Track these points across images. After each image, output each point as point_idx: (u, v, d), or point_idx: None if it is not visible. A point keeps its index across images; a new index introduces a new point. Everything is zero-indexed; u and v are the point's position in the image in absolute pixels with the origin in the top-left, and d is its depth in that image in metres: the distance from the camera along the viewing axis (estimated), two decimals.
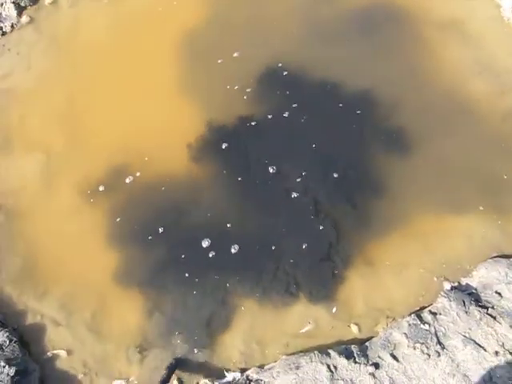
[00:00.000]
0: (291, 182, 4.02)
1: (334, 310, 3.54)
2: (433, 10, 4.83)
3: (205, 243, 3.82)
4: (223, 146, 4.25)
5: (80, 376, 3.41)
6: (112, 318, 3.63)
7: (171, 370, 3.37)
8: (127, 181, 4.14)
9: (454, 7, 4.83)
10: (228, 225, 3.88)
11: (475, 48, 4.52)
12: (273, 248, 3.77)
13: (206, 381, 3.34)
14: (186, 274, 3.73)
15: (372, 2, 4.98)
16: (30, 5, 5.32)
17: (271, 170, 4.08)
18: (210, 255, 3.78)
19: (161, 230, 3.91)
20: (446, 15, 4.76)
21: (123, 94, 4.66)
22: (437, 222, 3.79)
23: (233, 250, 3.78)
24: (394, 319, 3.42)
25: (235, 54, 4.77)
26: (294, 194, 3.95)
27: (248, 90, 4.51)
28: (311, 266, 3.68)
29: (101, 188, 4.12)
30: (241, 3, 5.14)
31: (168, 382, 3.31)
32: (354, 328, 3.45)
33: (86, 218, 4.01)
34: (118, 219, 3.98)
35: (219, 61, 4.74)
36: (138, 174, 4.16)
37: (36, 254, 3.89)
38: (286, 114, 4.36)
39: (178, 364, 3.43)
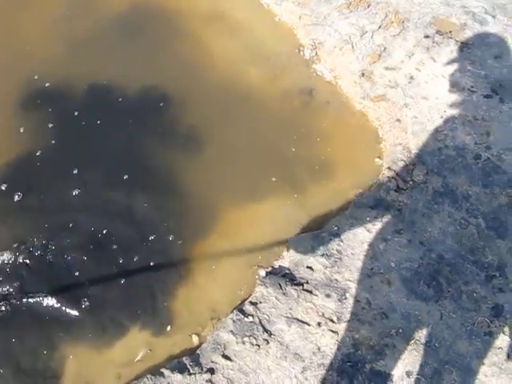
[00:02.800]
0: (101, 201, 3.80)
1: (169, 328, 3.38)
2: (195, 4, 4.85)
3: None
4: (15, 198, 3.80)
5: None
6: None
7: None
8: None
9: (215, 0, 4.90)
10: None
11: (243, 37, 4.65)
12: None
13: None
14: None
15: (131, 6, 4.84)
16: None
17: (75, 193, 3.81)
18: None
19: None
20: (209, 9, 4.82)
21: None
22: (241, 212, 3.80)
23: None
24: (218, 320, 3.36)
25: None
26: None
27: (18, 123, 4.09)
28: (133, 291, 3.49)
29: None
30: None
31: None
32: (195, 339, 3.33)
33: None
34: None
35: None
36: None
37: None
38: (69, 127, 4.11)
39: None
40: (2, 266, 3.50)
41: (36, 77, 4.33)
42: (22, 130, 4.06)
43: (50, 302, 3.43)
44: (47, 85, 4.30)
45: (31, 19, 4.72)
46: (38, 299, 3.42)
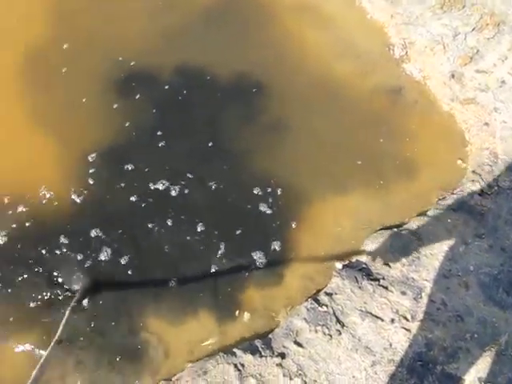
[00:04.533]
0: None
1: (242, 312, 3.48)
2: None
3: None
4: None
5: None
6: None
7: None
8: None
9: None
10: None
11: (333, 31, 4.67)
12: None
13: None
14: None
15: None
16: None
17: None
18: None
19: None
20: (299, 0, 4.87)
21: None
22: (324, 204, 3.86)
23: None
24: (292, 307, 3.44)
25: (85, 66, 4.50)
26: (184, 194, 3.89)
27: (114, 99, 4.32)
28: (212, 275, 3.62)
29: None
30: (86, 19, 4.80)
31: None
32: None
33: None
34: None
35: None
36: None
37: None
38: (159, 103, 4.32)
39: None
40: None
41: (133, 63, 4.52)
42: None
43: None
44: (135, 68, 4.50)
45: (125, 12, 4.89)
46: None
